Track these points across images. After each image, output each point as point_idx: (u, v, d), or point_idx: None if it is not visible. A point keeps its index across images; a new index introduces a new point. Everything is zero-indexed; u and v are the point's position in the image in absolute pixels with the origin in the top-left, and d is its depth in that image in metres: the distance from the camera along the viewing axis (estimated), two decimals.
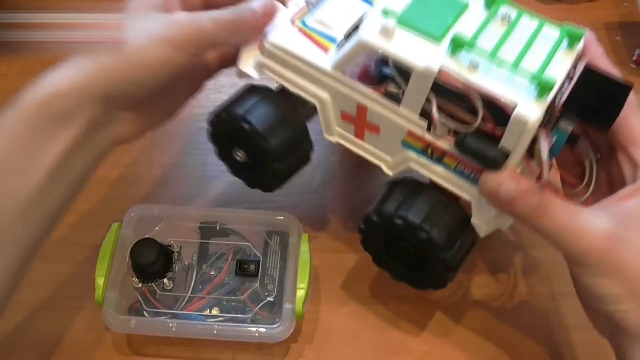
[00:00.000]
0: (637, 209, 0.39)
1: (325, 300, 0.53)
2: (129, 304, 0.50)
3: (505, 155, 0.41)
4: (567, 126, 0.42)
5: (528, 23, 0.43)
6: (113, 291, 0.49)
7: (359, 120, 0.46)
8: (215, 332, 0.48)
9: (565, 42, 0.43)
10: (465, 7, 0.44)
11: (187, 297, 0.50)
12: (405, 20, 0.42)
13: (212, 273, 0.52)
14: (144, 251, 0.49)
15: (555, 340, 0.52)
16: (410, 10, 0.43)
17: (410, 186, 0.46)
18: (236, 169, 0.51)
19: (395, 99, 0.44)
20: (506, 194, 0.40)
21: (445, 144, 0.43)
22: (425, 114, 0.43)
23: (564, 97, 0.41)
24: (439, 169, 0.45)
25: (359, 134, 0.47)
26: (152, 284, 0.50)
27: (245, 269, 0.51)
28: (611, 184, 0.43)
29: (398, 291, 0.51)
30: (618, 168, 0.42)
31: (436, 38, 0.41)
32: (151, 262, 0.49)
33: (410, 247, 0.46)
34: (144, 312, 0.50)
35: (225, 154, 0.50)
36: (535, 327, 0.52)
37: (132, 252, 0.49)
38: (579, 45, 0.42)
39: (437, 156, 0.44)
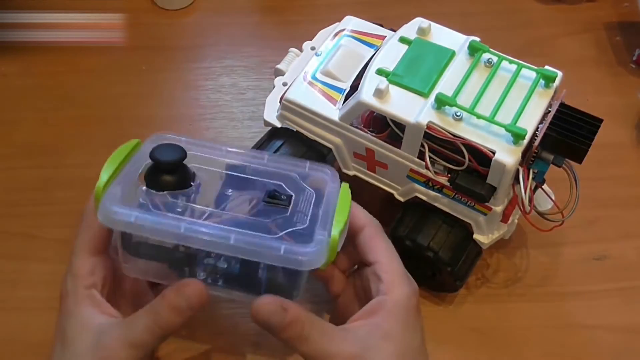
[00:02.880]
0: (373, 330, 0.42)
1: None
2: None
3: (493, 188, 0.48)
4: (547, 156, 0.48)
5: (508, 66, 0.49)
6: (118, 188, 0.42)
7: (369, 159, 0.53)
8: (231, 241, 0.40)
9: (542, 83, 0.48)
10: (452, 55, 0.50)
11: (200, 211, 0.43)
12: (396, 79, 0.49)
13: (234, 201, 0.45)
14: (167, 150, 0.43)
15: (555, 340, 0.53)
16: (401, 66, 0.50)
17: (419, 211, 0.53)
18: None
19: (397, 142, 0.50)
20: (275, 324, 0.41)
21: (442, 180, 0.50)
22: (422, 155, 0.49)
23: (541, 134, 0.47)
24: (441, 198, 0.52)
25: (371, 169, 0.54)
26: (165, 193, 0.43)
27: (276, 196, 0.44)
28: (365, 291, 0.46)
29: None
30: (367, 280, 0.46)
31: (424, 94, 0.48)
32: (173, 161, 0.43)
33: (422, 262, 0.54)
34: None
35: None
36: (535, 327, 0.54)
37: (154, 151, 0.43)
38: (555, 84, 0.48)
39: (437, 188, 0.51)
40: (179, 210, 0.42)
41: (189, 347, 0.53)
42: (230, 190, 0.45)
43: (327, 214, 0.42)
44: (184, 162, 0.44)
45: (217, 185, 0.45)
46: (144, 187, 0.42)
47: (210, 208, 0.43)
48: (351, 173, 0.56)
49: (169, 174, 0.43)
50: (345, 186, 0.45)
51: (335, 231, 0.41)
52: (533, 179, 0.48)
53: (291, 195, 0.44)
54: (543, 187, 0.51)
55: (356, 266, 0.49)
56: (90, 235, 0.45)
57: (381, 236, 0.46)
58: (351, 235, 0.46)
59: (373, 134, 0.51)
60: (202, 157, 0.46)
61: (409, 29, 0.53)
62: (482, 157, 0.46)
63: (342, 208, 0.43)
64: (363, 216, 0.46)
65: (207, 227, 0.40)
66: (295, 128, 0.55)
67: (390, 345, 0.42)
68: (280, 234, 0.41)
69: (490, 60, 0.49)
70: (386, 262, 0.45)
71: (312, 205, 0.44)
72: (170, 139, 0.45)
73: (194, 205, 0.43)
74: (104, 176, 0.42)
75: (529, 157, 0.47)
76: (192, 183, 0.44)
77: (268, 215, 0.43)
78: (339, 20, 0.58)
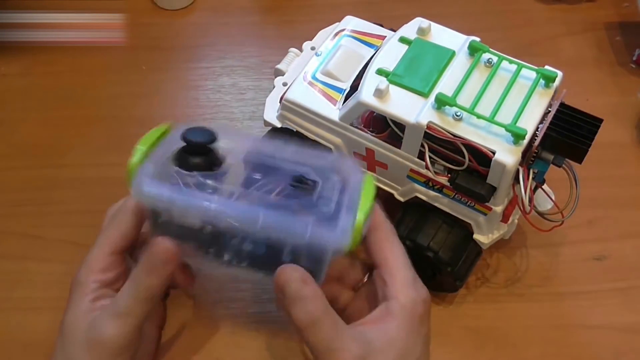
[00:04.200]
0: (380, 335, 0.42)
1: None
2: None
3: (493, 188, 0.48)
4: (547, 156, 0.48)
5: (508, 66, 0.49)
6: (150, 166, 0.42)
7: (369, 159, 0.53)
8: (260, 220, 0.41)
9: (542, 83, 0.48)
10: (452, 55, 0.50)
11: (229, 192, 0.43)
12: (396, 79, 0.49)
13: (262, 183, 0.45)
14: (199, 133, 0.44)
15: (555, 340, 0.53)
16: (401, 66, 0.50)
17: (419, 211, 0.53)
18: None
19: (397, 142, 0.50)
20: (291, 292, 0.42)
21: (442, 180, 0.50)
22: (422, 155, 0.49)
23: (541, 134, 0.47)
24: (441, 198, 0.52)
25: (371, 168, 0.54)
26: (195, 173, 0.43)
27: (303, 180, 0.44)
28: (372, 298, 0.46)
29: None
30: (374, 286, 0.46)
31: (424, 94, 0.48)
32: (203, 142, 0.43)
33: (423, 262, 0.53)
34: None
35: None
36: (535, 327, 0.54)
37: (186, 132, 0.43)
38: (555, 84, 0.48)
39: (437, 188, 0.51)
40: (209, 190, 0.43)
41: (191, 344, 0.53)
42: (258, 175, 0.45)
43: (352, 200, 0.43)
44: (214, 145, 0.44)
45: (245, 170, 0.46)
46: (176, 167, 0.43)
47: (239, 189, 0.44)
48: None
49: (199, 155, 0.44)
50: (370, 176, 0.45)
51: (361, 215, 0.42)
52: (533, 179, 0.48)
53: (317, 181, 0.44)
54: (543, 187, 0.51)
55: (365, 278, 0.49)
56: (116, 232, 0.46)
57: (392, 240, 0.46)
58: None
59: (373, 134, 0.51)
60: (231, 143, 0.46)
61: (409, 29, 0.53)
62: (482, 157, 0.46)
63: (367, 195, 0.43)
64: (378, 216, 0.46)
65: (237, 205, 0.42)
66: (295, 128, 0.55)
67: (392, 351, 0.42)
68: (307, 217, 0.42)
69: (490, 60, 0.49)
70: (393, 266, 0.45)
71: (337, 192, 0.44)
72: (199, 127, 0.45)
73: (223, 186, 0.43)
74: (137, 155, 0.43)
75: (529, 157, 0.47)
76: (221, 165, 0.45)
77: (295, 198, 0.43)
78: (339, 20, 0.58)
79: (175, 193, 0.41)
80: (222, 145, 0.45)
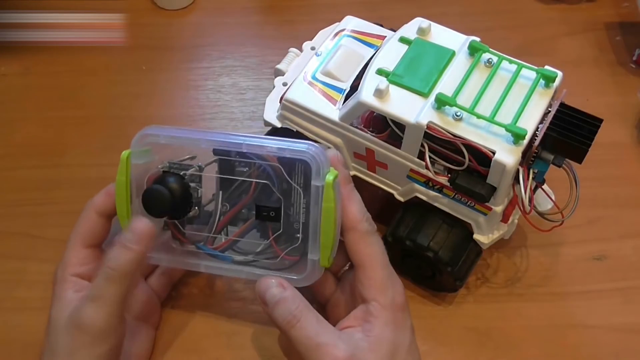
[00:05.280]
0: (364, 336, 0.43)
1: None
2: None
3: (493, 188, 0.48)
4: (547, 156, 0.48)
5: (508, 66, 0.49)
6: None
7: (369, 159, 0.53)
8: (244, 276, 0.48)
9: (542, 83, 0.48)
10: (452, 55, 0.50)
11: (212, 238, 0.48)
12: (396, 79, 0.49)
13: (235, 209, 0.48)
14: (154, 203, 0.46)
15: (555, 340, 0.53)
16: (401, 66, 0.50)
17: (419, 211, 0.53)
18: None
19: (397, 142, 0.50)
20: (271, 297, 0.44)
21: (442, 180, 0.50)
22: (422, 155, 0.49)
23: (541, 134, 0.47)
24: (441, 198, 0.52)
25: (371, 169, 0.54)
26: (176, 221, 0.48)
27: (265, 216, 0.47)
28: (353, 293, 0.47)
29: None
30: (354, 283, 0.46)
31: (424, 94, 0.48)
32: (165, 210, 0.46)
33: (423, 262, 0.54)
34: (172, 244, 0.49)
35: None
36: (535, 327, 0.54)
37: (144, 203, 0.46)
38: (555, 84, 0.48)
39: (437, 188, 0.51)
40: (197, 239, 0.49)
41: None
42: (227, 206, 0.48)
43: (315, 229, 0.45)
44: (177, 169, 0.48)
45: (213, 183, 0.49)
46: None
47: (213, 234, 0.48)
48: (351, 173, 0.55)
49: (168, 210, 0.47)
50: (329, 186, 0.44)
51: (324, 257, 0.45)
52: (533, 179, 0.48)
53: (279, 207, 0.47)
54: (543, 187, 0.51)
55: (347, 266, 0.50)
56: (85, 228, 0.49)
57: (367, 240, 0.45)
58: (342, 232, 0.46)
59: (373, 134, 0.51)
60: (188, 148, 0.48)
61: (409, 29, 0.53)
62: (482, 157, 0.46)
63: (327, 223, 0.44)
64: (353, 215, 0.45)
65: (223, 269, 0.48)
66: (295, 128, 0.55)
67: (382, 348, 0.43)
68: (282, 255, 0.47)
69: (490, 60, 0.49)
70: (370, 268, 0.45)
71: (301, 208, 0.46)
72: (152, 135, 0.47)
73: (203, 234, 0.48)
74: (121, 218, 0.47)
75: (529, 157, 0.47)
76: (191, 198, 0.48)
77: (265, 232, 0.48)
78: (339, 20, 0.58)
79: (167, 260, 0.49)
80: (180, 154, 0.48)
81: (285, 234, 0.47)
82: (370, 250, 0.45)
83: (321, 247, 0.45)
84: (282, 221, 0.47)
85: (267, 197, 0.47)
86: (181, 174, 0.47)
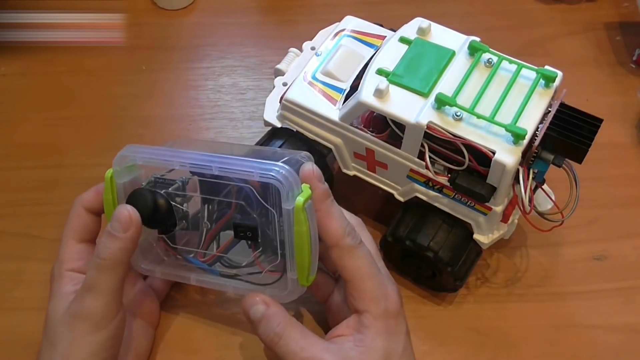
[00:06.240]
0: (356, 346, 0.43)
1: None
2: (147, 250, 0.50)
3: (493, 188, 0.48)
4: (547, 156, 0.48)
5: (508, 66, 0.49)
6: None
7: (369, 159, 0.53)
8: (231, 290, 0.49)
9: (542, 83, 0.48)
10: (452, 55, 0.50)
11: (200, 253, 0.49)
12: (396, 79, 0.49)
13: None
14: (138, 203, 0.46)
15: (555, 340, 0.53)
16: (401, 66, 0.50)
17: (419, 211, 0.53)
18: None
19: (397, 142, 0.50)
20: (254, 314, 0.45)
21: (442, 180, 0.50)
22: (422, 155, 0.49)
23: (541, 134, 0.47)
24: (441, 198, 0.52)
25: (371, 169, 0.54)
26: (164, 235, 0.49)
27: (242, 236, 0.47)
28: (347, 301, 0.46)
29: None
30: (346, 294, 0.46)
31: (424, 94, 0.48)
32: (149, 212, 0.46)
33: (423, 262, 0.54)
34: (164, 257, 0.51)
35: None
36: (535, 327, 0.54)
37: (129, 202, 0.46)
38: (555, 84, 0.48)
39: (437, 188, 0.51)
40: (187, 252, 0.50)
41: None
42: (208, 224, 0.49)
43: (291, 250, 0.45)
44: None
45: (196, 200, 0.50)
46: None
47: (201, 249, 0.49)
48: (351, 173, 0.56)
49: (153, 214, 0.46)
50: (299, 210, 0.43)
51: (301, 277, 0.45)
52: (533, 179, 0.48)
53: (255, 226, 0.47)
54: (543, 187, 0.51)
55: None
56: (76, 223, 0.49)
57: (352, 253, 0.44)
58: (327, 248, 0.45)
59: (373, 134, 0.51)
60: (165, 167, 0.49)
61: (409, 29, 0.53)
62: (482, 157, 0.46)
63: (300, 245, 0.44)
64: (334, 231, 0.44)
65: (211, 283, 0.49)
66: (295, 128, 0.55)
67: (373, 357, 0.43)
68: (265, 270, 0.47)
69: (490, 60, 0.49)
70: (359, 281, 0.44)
71: (278, 226, 0.46)
72: (130, 157, 0.47)
73: (192, 248, 0.49)
74: None
75: (529, 157, 0.47)
76: (174, 216, 0.48)
77: (246, 250, 0.48)
78: (339, 20, 0.58)
79: (162, 272, 0.50)
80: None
81: (267, 250, 0.47)
82: (356, 264, 0.45)
83: (297, 268, 0.45)
84: (260, 240, 0.47)
85: (246, 215, 0.47)
86: (162, 192, 0.47)
